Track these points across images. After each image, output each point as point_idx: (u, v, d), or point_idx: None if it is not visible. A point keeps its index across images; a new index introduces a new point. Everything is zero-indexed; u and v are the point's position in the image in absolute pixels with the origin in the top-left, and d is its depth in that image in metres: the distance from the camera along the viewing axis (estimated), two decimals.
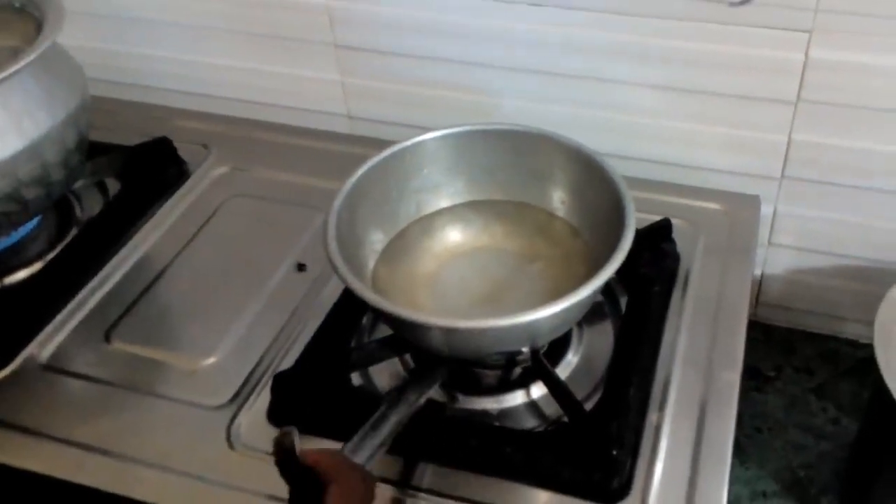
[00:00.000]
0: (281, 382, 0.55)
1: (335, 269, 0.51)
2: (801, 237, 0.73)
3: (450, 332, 0.48)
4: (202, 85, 0.86)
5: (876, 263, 0.72)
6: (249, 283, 0.67)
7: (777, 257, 0.75)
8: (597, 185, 0.58)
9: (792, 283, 0.76)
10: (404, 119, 0.80)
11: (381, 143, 0.77)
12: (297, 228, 0.71)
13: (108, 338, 0.63)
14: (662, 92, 0.69)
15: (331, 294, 0.63)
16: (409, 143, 0.60)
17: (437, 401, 0.56)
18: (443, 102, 0.77)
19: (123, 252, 0.71)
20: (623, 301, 0.61)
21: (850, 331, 0.77)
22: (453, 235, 0.63)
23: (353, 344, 0.60)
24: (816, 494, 0.66)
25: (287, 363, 0.59)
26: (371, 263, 0.59)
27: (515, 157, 0.62)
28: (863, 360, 0.76)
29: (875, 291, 0.74)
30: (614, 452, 0.48)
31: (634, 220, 0.52)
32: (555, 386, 0.53)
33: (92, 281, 0.68)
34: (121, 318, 0.65)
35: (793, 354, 0.76)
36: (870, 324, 0.77)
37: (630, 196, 0.54)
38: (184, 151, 0.80)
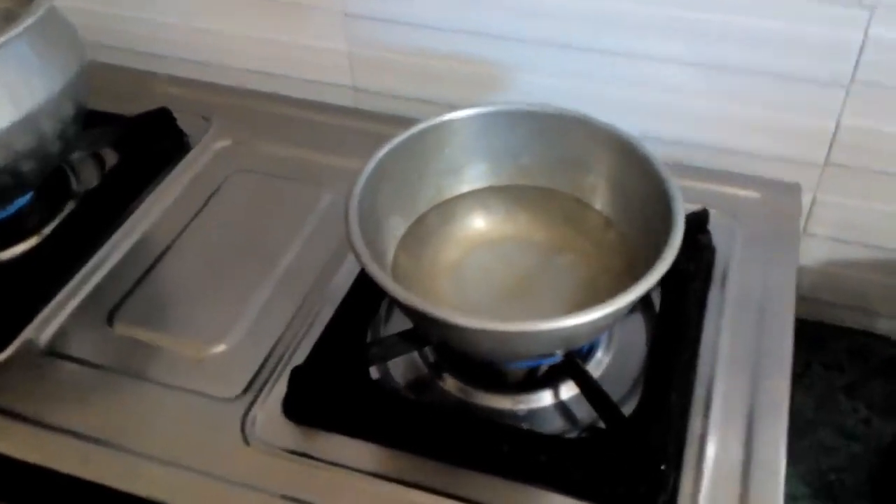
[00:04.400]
0: (298, 378, 0.52)
1: (361, 262, 0.47)
2: (838, 228, 0.69)
3: (482, 333, 0.45)
4: (204, 53, 0.81)
5: None
6: (258, 264, 0.63)
7: (810, 248, 0.72)
8: (635, 175, 0.54)
9: (824, 276, 0.73)
10: (413, 93, 0.76)
11: (387, 119, 0.73)
12: (303, 206, 0.68)
13: (110, 320, 0.59)
14: (699, 70, 0.64)
15: (344, 277, 0.60)
16: (432, 122, 0.56)
17: (464, 400, 0.53)
18: (456, 76, 0.73)
19: (124, 228, 0.67)
20: (655, 294, 0.58)
21: (883, 327, 0.74)
22: (475, 223, 0.59)
23: (369, 335, 0.57)
24: (848, 500, 0.63)
25: (301, 353, 0.55)
26: (391, 250, 0.56)
27: (543, 141, 0.58)
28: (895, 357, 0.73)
29: None
30: (662, 467, 0.44)
31: (683, 217, 0.48)
32: (589, 388, 0.49)
33: (92, 258, 0.64)
34: (123, 299, 0.61)
35: (822, 350, 0.73)
36: None
37: (678, 189, 0.50)
38: (184, 123, 0.76)
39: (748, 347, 0.54)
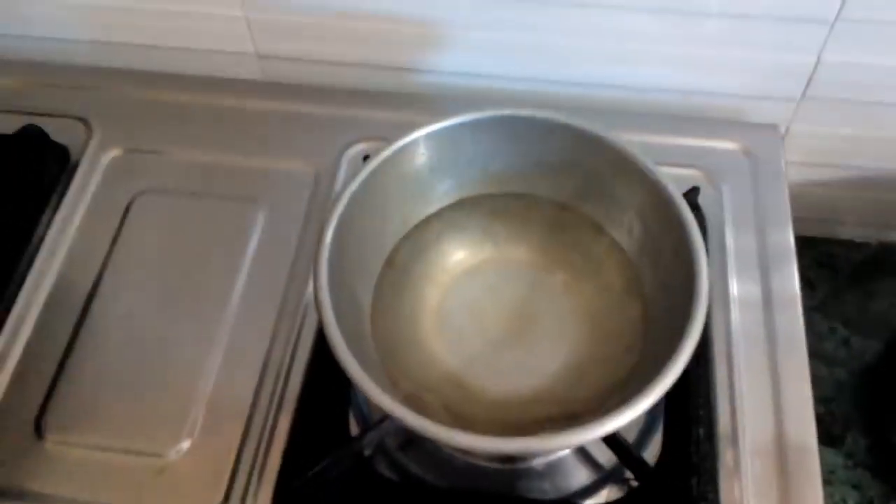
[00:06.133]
0: (288, 485, 0.46)
1: (349, 373, 0.40)
2: (808, 153, 0.65)
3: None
4: (68, 29, 0.65)
5: (881, 172, 0.66)
6: (198, 321, 0.54)
7: None
8: (626, 175, 0.47)
9: (792, 196, 0.70)
10: (326, 56, 0.64)
11: (301, 91, 0.63)
12: (235, 232, 0.58)
13: (39, 431, 0.50)
14: (663, 16, 0.56)
15: (305, 317, 0.53)
16: (388, 152, 0.47)
17: (471, 463, 0.48)
18: (376, 36, 0.61)
19: (23, 297, 0.55)
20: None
21: (846, 232, 0.73)
22: (449, 249, 0.51)
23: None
24: (840, 432, 0.64)
25: (279, 437, 0.49)
26: (367, 311, 0.48)
27: (515, 146, 0.50)
28: (862, 263, 0.72)
29: (875, 197, 0.69)
30: None
31: (698, 230, 0.43)
32: (611, 442, 0.45)
33: None
34: (48, 398, 0.51)
35: None
36: (867, 225, 0.73)
37: (679, 196, 0.44)
38: (58, 134, 0.62)
39: (761, 335, 0.52)
